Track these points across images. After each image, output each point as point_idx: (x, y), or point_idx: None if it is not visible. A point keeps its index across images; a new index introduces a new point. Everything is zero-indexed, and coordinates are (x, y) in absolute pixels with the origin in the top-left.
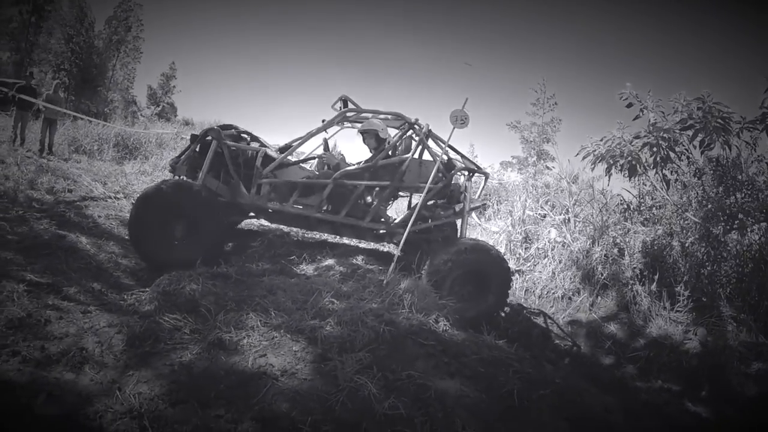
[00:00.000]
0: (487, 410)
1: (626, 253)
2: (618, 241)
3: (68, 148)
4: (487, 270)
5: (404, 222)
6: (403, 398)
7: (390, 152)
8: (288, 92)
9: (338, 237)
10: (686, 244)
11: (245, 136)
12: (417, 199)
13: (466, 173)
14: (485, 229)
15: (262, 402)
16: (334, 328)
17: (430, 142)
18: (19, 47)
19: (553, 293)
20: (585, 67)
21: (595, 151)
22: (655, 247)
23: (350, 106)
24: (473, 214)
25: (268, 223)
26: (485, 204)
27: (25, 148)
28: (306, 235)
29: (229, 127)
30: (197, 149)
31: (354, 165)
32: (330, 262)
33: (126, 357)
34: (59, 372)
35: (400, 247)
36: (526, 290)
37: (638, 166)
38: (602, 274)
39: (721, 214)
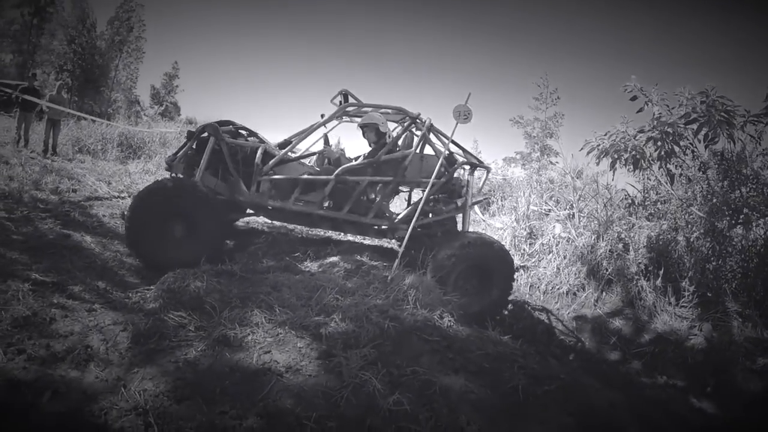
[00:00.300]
0: (491, 406)
1: (631, 248)
2: (623, 236)
3: (72, 148)
4: (491, 264)
5: (407, 218)
6: (407, 394)
7: (390, 147)
8: (290, 89)
9: (341, 234)
10: (691, 239)
11: (243, 132)
12: (417, 194)
13: (468, 168)
14: (489, 225)
15: (267, 398)
16: (339, 324)
17: (432, 137)
18: (22, 49)
19: (558, 289)
20: (588, 60)
21: (599, 145)
22: (660, 242)
23: (351, 100)
24: (476, 209)
25: (269, 221)
26: (487, 198)
27: (29, 149)
28: (310, 232)
29: (227, 123)
30: (194, 146)
31: (354, 160)
32: (334, 258)
33: (131, 354)
34: (64, 370)
35: (404, 243)
36: (530, 286)
37: (642, 160)
38: (607, 270)
39: (726, 209)
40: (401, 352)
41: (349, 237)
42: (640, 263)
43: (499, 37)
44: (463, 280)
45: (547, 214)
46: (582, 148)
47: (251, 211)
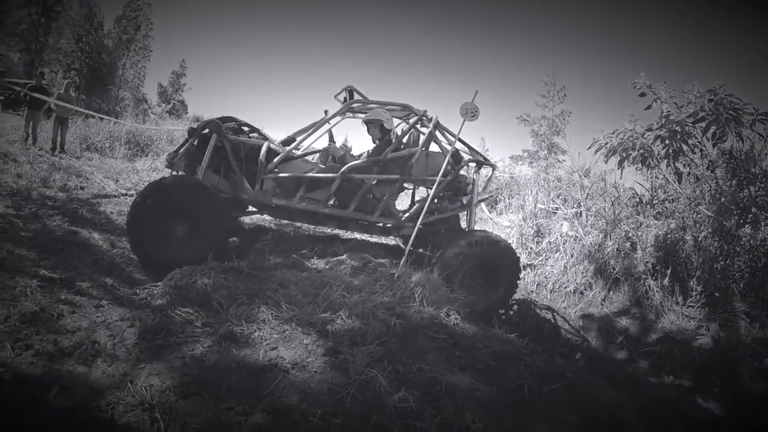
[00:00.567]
0: (497, 404)
1: (638, 247)
2: (630, 234)
3: (80, 146)
4: (498, 262)
5: (414, 216)
6: (413, 391)
7: (397, 145)
8: (296, 86)
9: (348, 231)
10: (699, 238)
11: (245, 128)
12: (420, 192)
13: (474, 165)
14: (497, 223)
15: (273, 394)
16: (345, 321)
17: (438, 135)
18: (29, 48)
19: (565, 287)
20: (595, 57)
21: (607, 144)
22: (668, 241)
23: (356, 96)
24: (483, 207)
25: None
26: (492, 196)
27: (37, 147)
28: (317, 230)
29: (229, 119)
30: (195, 143)
31: (358, 158)
32: (341, 256)
33: (138, 350)
34: (72, 365)
35: (410, 241)
36: (537, 284)
37: (650, 159)
38: (614, 269)
39: (734, 208)
40: (407, 349)
41: (356, 235)
42: (647, 262)
43: (506, 35)
44: (470, 278)
45: (555, 213)
46: (590, 147)
47: (252, 209)
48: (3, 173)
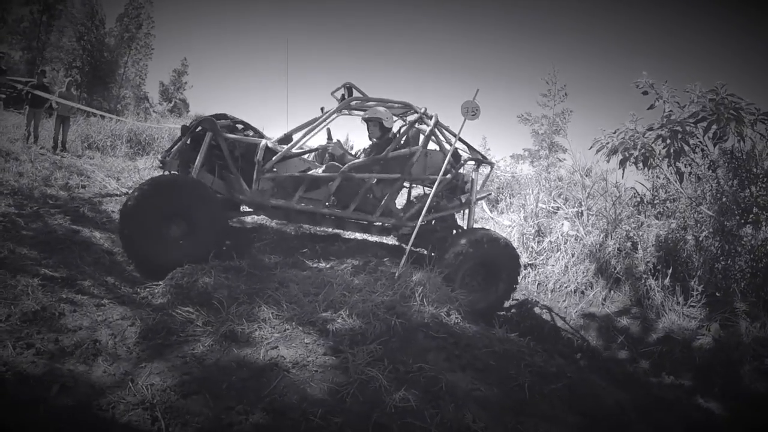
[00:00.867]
0: (497, 403)
1: (640, 246)
2: (631, 234)
3: (81, 144)
4: (497, 259)
5: (414, 215)
6: (413, 391)
7: (397, 143)
8: (298, 84)
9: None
10: (700, 238)
11: (239, 126)
12: (417, 190)
13: (473, 163)
14: (498, 223)
15: (274, 393)
16: (346, 320)
17: (437, 133)
18: (31, 46)
19: (566, 287)
20: (597, 56)
21: (608, 143)
22: (669, 241)
23: (356, 93)
24: (485, 207)
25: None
26: (491, 193)
27: (39, 146)
28: (318, 229)
29: (223, 116)
30: (188, 142)
31: (357, 156)
32: (342, 255)
33: (139, 349)
34: (73, 364)
35: (411, 240)
36: (538, 284)
37: (652, 158)
38: (615, 268)
39: (735, 208)
40: (408, 348)
41: (357, 234)
42: (648, 262)
43: (507, 33)
44: (470, 277)
45: (556, 212)
46: (591, 147)
47: (246, 210)
48: (4, 172)
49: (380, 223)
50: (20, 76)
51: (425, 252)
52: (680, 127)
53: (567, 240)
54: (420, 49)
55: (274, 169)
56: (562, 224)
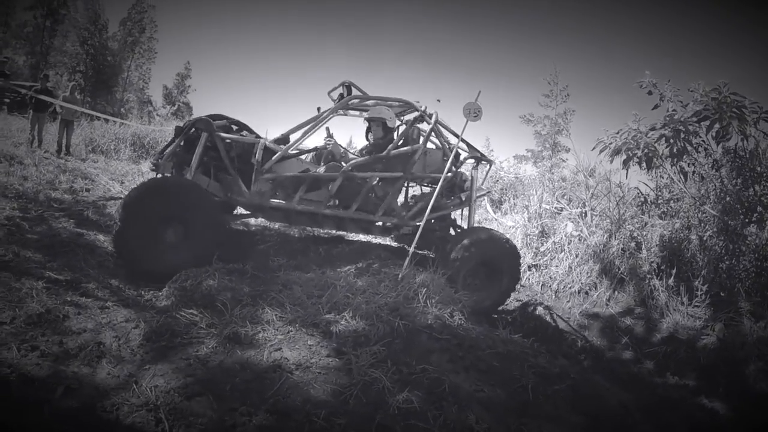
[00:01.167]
0: (501, 404)
1: (643, 246)
2: (635, 234)
3: (85, 148)
4: (499, 257)
5: (416, 214)
6: (417, 392)
7: (398, 142)
8: (301, 85)
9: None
10: (704, 238)
11: (234, 127)
12: (412, 191)
13: (472, 161)
14: (501, 224)
15: (277, 395)
16: (350, 322)
17: (435, 132)
18: (35, 51)
19: (570, 288)
20: (598, 56)
21: (611, 144)
22: (673, 241)
23: (355, 92)
24: (488, 207)
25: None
26: (490, 191)
27: (43, 149)
28: (322, 231)
29: (219, 117)
30: (182, 144)
31: (356, 155)
32: (346, 257)
33: (143, 351)
34: (77, 366)
35: (414, 241)
36: (542, 285)
37: (655, 158)
38: (619, 269)
39: (739, 207)
40: (411, 350)
41: (361, 236)
42: (652, 262)
43: (508, 33)
44: (472, 276)
45: (560, 213)
46: (594, 147)
47: (242, 212)
48: (9, 176)
49: (382, 223)
50: (24, 80)
51: (427, 253)
52: (683, 126)
53: (571, 241)
54: (421, 49)
55: (273, 170)
56: (566, 225)
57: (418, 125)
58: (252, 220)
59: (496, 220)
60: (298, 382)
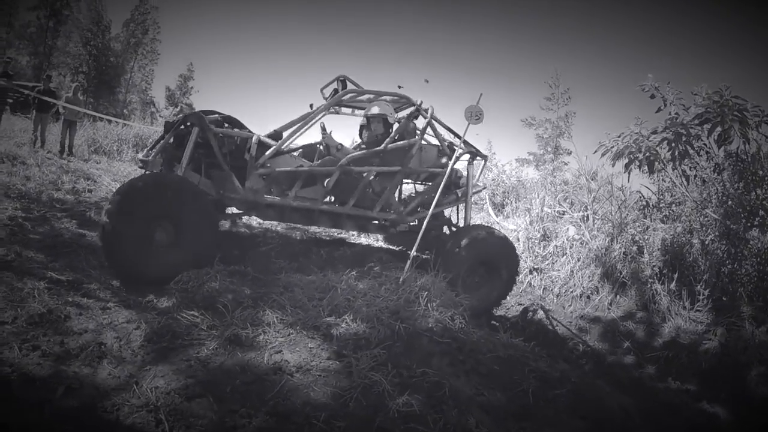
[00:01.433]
0: (501, 409)
1: (645, 250)
2: (637, 238)
3: (88, 149)
4: (497, 253)
5: (413, 210)
6: (417, 395)
7: (395, 136)
8: (305, 86)
9: (353, 234)
10: (706, 242)
11: (226, 124)
12: (406, 190)
13: (468, 157)
14: (503, 227)
15: (277, 397)
16: (350, 325)
17: (429, 127)
18: (38, 51)
19: (572, 292)
20: (599, 57)
21: (613, 147)
22: (675, 245)
23: (350, 87)
24: (490, 210)
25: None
26: (485, 186)
27: (46, 150)
28: (323, 233)
29: (211, 112)
30: (171, 140)
31: (356, 150)
32: (347, 260)
33: (144, 352)
34: (78, 366)
35: (416, 243)
36: (544, 288)
37: (657, 162)
38: (621, 273)
39: (741, 211)
40: (412, 353)
41: (362, 239)
42: (654, 266)
43: (509, 35)
44: (472, 274)
45: (561, 216)
46: (596, 151)
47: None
48: (12, 176)
49: (378, 221)
50: (27, 80)
51: (426, 255)
52: (684, 129)
53: (572, 244)
54: (421, 49)
55: (268, 165)
56: (568, 228)
57: (414, 121)
58: (254, 222)
59: (498, 223)
60: (299, 384)
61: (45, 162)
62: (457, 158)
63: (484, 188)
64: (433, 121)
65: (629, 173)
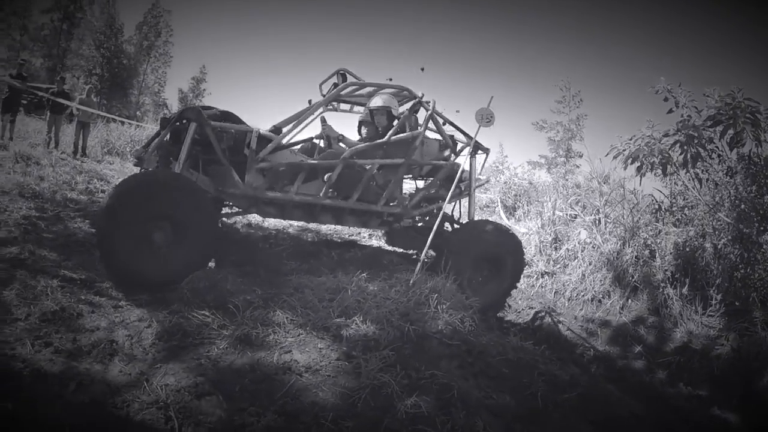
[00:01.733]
0: (510, 412)
1: (657, 254)
2: (649, 242)
3: (101, 150)
4: (504, 248)
5: (418, 204)
6: (425, 397)
7: (398, 128)
8: (313, 86)
9: (364, 234)
10: (719, 246)
11: (224, 119)
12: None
13: (470, 150)
14: (515, 230)
15: (286, 396)
16: (360, 326)
17: (431, 121)
18: (52, 53)
19: (583, 295)
20: (612, 58)
21: (625, 150)
22: (687, 249)
23: (350, 80)
24: (502, 214)
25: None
26: (489, 180)
27: (60, 150)
28: (334, 235)
29: (209, 108)
30: (167, 136)
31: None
32: (358, 261)
33: (155, 350)
34: (90, 363)
35: (426, 247)
36: (555, 292)
37: (669, 164)
38: (633, 277)
39: (754, 215)
40: (421, 355)
41: (373, 241)
42: (666, 270)
43: (521, 36)
44: (479, 270)
45: (573, 220)
46: (608, 153)
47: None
48: (26, 176)
49: (380, 217)
50: (41, 82)
51: (414, 254)
52: (696, 131)
53: (584, 248)
54: (429, 51)
55: (268, 158)
56: (579, 232)
57: (415, 114)
58: (265, 224)
59: (510, 227)
60: (307, 384)
61: (59, 162)
62: (455, 150)
63: (487, 181)
64: (434, 115)
65: (641, 176)
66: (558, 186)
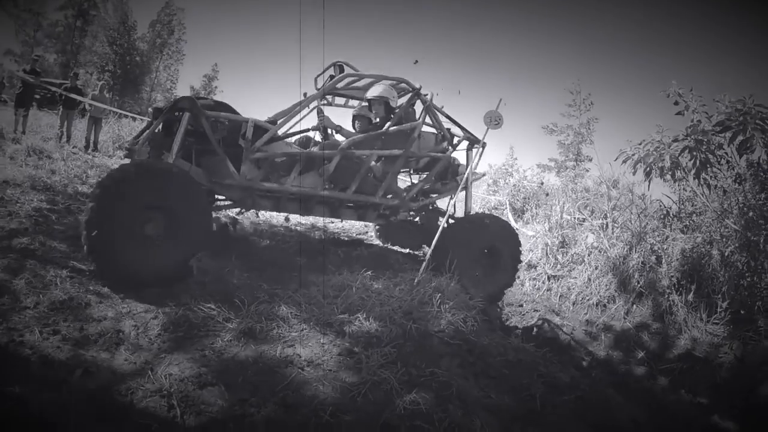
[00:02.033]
0: (507, 412)
1: (664, 260)
2: (656, 248)
3: (112, 145)
4: (501, 242)
5: (416, 197)
6: (424, 394)
7: (397, 120)
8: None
9: (369, 232)
10: (726, 254)
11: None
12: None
13: (467, 144)
14: (522, 233)
15: (287, 389)
16: (363, 323)
17: (428, 114)
18: (65, 50)
19: (588, 300)
20: (624, 62)
21: (634, 155)
22: (694, 256)
23: (348, 72)
24: (509, 216)
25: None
26: (485, 174)
27: (71, 145)
28: (341, 234)
29: (203, 98)
30: (159, 127)
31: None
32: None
33: (160, 341)
34: (96, 351)
35: (433, 245)
36: (560, 296)
37: (677, 170)
38: (638, 282)
39: (762, 222)
40: (422, 353)
41: (378, 241)
42: (672, 276)
43: (531, 41)
44: (476, 263)
45: (581, 224)
46: (617, 158)
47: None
48: (38, 169)
49: (381, 207)
50: (54, 78)
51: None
52: (705, 137)
53: (591, 252)
54: (439, 51)
55: (264, 149)
56: (587, 236)
57: (413, 106)
58: (274, 220)
59: (518, 229)
60: (309, 378)
61: (70, 156)
62: (452, 142)
63: (484, 175)
64: (433, 108)
65: (649, 181)
66: (567, 189)
